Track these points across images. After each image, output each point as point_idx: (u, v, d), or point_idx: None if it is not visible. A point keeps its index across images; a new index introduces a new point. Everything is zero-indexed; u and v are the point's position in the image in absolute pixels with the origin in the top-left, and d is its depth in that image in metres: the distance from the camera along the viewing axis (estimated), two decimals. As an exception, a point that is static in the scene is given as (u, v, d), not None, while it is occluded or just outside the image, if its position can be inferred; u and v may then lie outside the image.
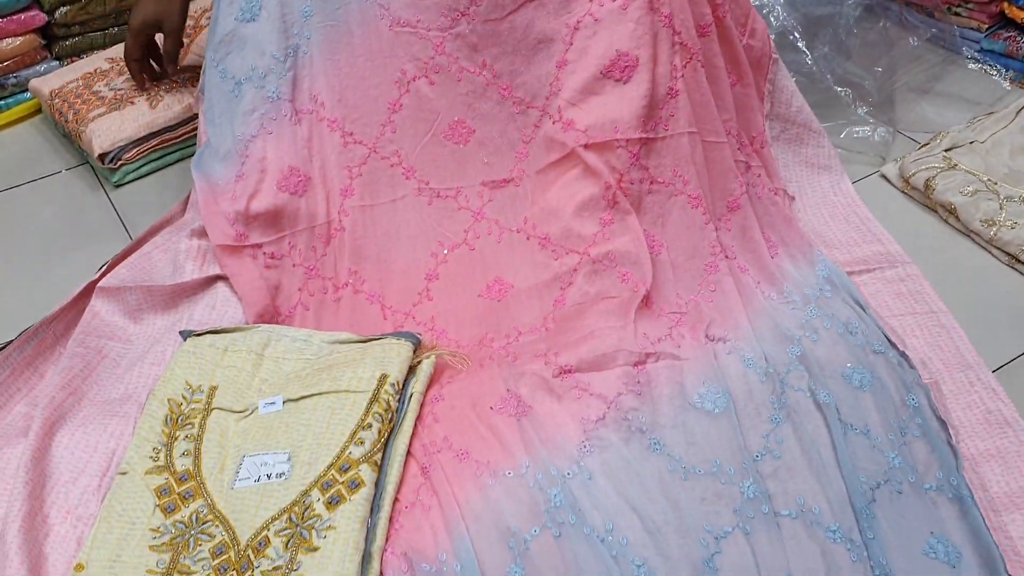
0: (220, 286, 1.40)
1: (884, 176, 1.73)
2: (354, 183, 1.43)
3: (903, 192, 1.69)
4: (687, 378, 1.28)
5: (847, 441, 1.19)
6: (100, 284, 1.39)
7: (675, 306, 1.37)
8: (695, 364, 1.29)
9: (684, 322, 1.35)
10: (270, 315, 1.38)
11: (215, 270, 1.41)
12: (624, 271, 1.36)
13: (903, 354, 1.33)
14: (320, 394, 1.20)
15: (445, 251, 1.42)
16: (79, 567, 1.06)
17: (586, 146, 1.39)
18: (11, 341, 1.35)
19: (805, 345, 1.32)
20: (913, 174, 1.66)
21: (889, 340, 1.35)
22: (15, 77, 1.92)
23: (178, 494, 1.12)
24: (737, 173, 1.47)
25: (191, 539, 1.07)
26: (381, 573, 1.05)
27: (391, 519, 1.10)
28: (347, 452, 1.12)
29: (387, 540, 1.08)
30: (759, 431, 1.21)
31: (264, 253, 1.41)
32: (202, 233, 1.43)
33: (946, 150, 1.69)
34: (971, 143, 1.71)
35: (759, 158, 1.56)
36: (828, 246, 1.54)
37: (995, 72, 1.97)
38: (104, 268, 1.45)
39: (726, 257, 1.43)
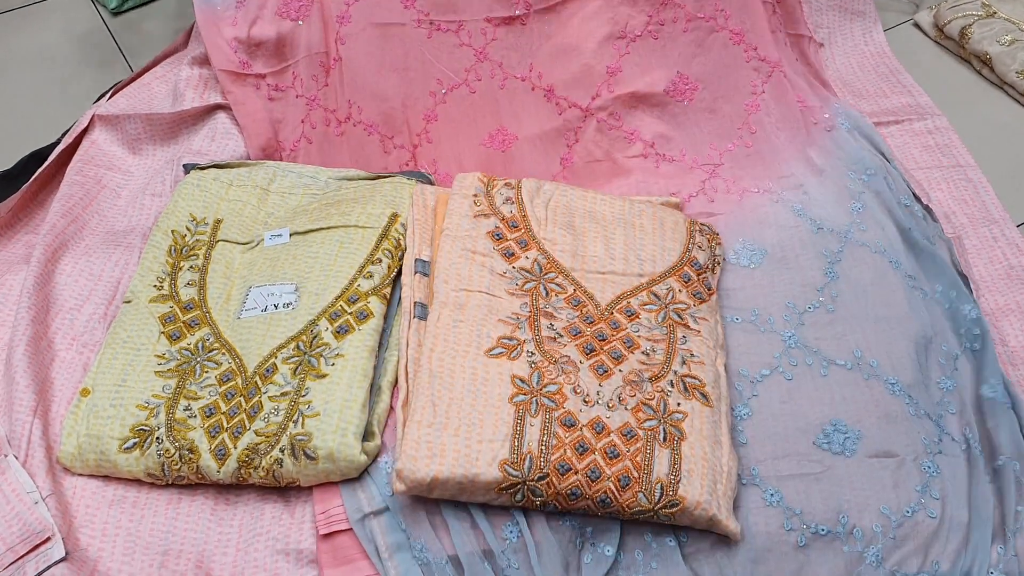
0: (220, 116, 1.35)
1: (917, 24, 1.64)
2: (351, 9, 1.35)
3: (936, 42, 1.61)
4: (721, 233, 1.24)
5: (909, 296, 1.16)
6: (98, 112, 1.34)
7: (707, 157, 1.32)
8: (730, 219, 1.26)
9: (718, 174, 1.31)
10: (273, 149, 1.33)
11: (216, 98, 1.35)
12: (631, 129, 1.31)
13: (927, 207, 1.30)
14: (328, 228, 1.17)
15: (444, 91, 1.36)
16: (85, 392, 1.05)
17: None
18: (10, 169, 1.31)
19: (866, 199, 1.26)
20: (948, 22, 1.57)
21: (913, 193, 1.31)
22: None
23: (183, 322, 1.10)
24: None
25: (197, 366, 1.05)
26: (391, 407, 1.04)
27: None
28: (356, 284, 1.10)
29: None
30: (813, 283, 1.17)
31: (268, 84, 1.35)
32: (203, 61, 1.37)
33: (985, -3, 1.61)
34: (1013, -10, 1.62)
35: (781, 5, 1.48)
36: (856, 96, 1.48)
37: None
38: (104, 96, 1.40)
39: (785, 76, 1.36)
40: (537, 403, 0.97)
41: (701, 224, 1.21)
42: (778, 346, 1.11)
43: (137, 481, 1.02)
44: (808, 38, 1.49)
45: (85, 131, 1.34)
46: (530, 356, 1.01)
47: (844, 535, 0.97)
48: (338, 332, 1.05)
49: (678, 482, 0.93)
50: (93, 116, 1.34)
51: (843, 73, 1.52)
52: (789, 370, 1.09)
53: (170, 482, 1.00)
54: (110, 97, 1.39)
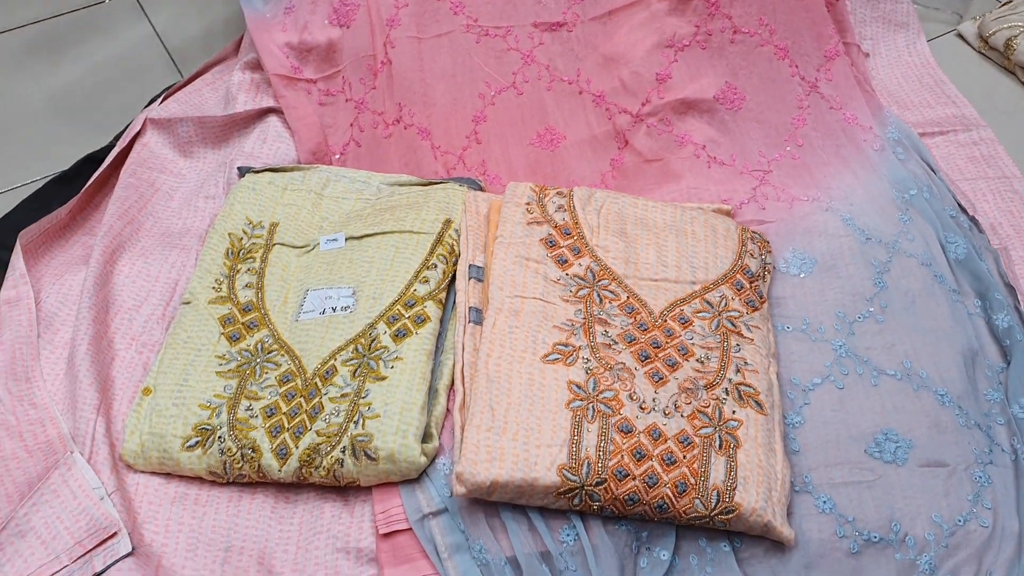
0: (272, 119, 1.37)
1: (961, 35, 1.65)
2: (400, 13, 1.37)
3: (980, 52, 1.62)
4: (772, 242, 1.25)
5: (954, 309, 1.16)
6: (150, 116, 1.37)
7: (757, 164, 1.33)
8: (780, 227, 1.26)
9: (768, 181, 1.32)
10: (323, 152, 1.35)
11: (267, 102, 1.37)
12: (682, 133, 1.32)
13: (973, 219, 1.30)
14: (383, 233, 1.19)
15: (492, 93, 1.38)
16: (147, 391, 1.08)
17: None
18: (66, 171, 1.34)
19: (912, 213, 1.26)
20: (993, 33, 1.58)
21: (959, 204, 1.32)
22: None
23: (242, 324, 1.12)
24: (829, 20, 1.41)
25: (257, 367, 1.08)
26: (448, 409, 1.06)
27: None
28: (412, 289, 1.12)
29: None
30: (863, 293, 1.18)
31: (319, 89, 1.37)
32: (255, 66, 1.40)
33: (1030, 9, 1.61)
34: (1058, 2, 1.62)
35: (831, 12, 1.49)
36: (900, 107, 1.48)
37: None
38: (155, 100, 1.43)
39: (831, 108, 1.37)
40: (594, 409, 0.98)
41: (752, 232, 1.22)
42: (829, 355, 1.12)
43: (198, 479, 1.04)
44: (856, 46, 1.50)
45: (138, 135, 1.36)
46: (586, 362, 1.03)
47: (896, 543, 0.98)
48: (396, 335, 1.07)
49: (734, 489, 0.94)
50: (145, 120, 1.37)
51: (887, 84, 1.52)
52: (840, 379, 1.10)
53: (231, 480, 1.02)
54: (162, 101, 1.42)
